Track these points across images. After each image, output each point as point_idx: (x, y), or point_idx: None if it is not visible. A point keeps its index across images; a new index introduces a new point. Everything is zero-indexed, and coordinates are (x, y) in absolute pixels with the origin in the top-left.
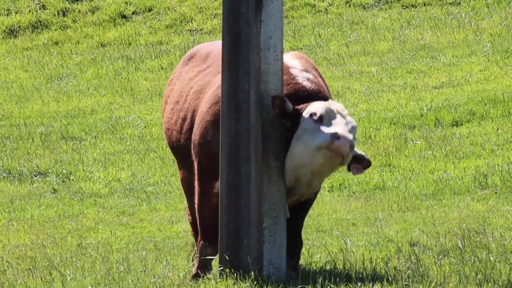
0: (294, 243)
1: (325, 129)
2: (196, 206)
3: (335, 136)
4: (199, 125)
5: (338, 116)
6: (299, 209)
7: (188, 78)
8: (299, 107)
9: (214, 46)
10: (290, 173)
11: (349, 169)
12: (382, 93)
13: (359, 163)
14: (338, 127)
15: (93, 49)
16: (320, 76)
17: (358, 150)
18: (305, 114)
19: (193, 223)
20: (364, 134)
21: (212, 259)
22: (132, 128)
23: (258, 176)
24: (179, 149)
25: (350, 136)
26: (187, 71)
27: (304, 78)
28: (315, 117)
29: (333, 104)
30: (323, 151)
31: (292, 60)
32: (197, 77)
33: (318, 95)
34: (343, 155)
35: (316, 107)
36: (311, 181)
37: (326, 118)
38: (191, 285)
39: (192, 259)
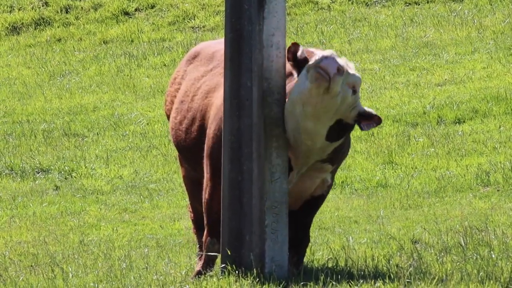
0: (301, 240)
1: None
2: (205, 202)
3: (324, 56)
4: (214, 118)
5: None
6: (310, 205)
7: (193, 78)
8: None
9: (219, 45)
10: (288, 119)
11: (360, 127)
12: (385, 91)
13: (369, 120)
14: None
15: (96, 46)
16: None
17: (366, 108)
18: (311, 61)
19: (195, 221)
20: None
21: (217, 256)
22: (135, 125)
23: (260, 173)
24: (185, 148)
25: (340, 61)
26: (191, 70)
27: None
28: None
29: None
30: (311, 72)
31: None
32: (204, 77)
33: None
34: (329, 75)
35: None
36: (306, 121)
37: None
38: (193, 283)
39: (197, 254)
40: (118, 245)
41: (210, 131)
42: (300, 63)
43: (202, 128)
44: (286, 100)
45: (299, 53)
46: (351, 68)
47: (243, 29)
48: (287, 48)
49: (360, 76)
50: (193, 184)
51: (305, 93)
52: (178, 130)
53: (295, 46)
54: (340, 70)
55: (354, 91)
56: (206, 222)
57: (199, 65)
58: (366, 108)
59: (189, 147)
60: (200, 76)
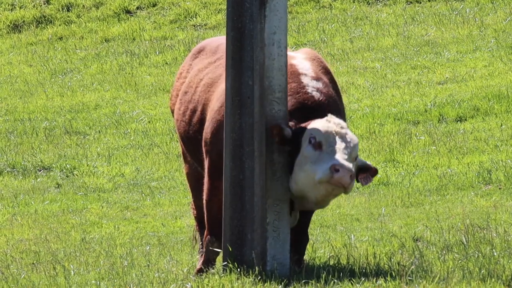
0: (301, 239)
1: (324, 160)
2: (204, 201)
3: (334, 169)
4: (210, 122)
5: (337, 139)
6: None
7: (197, 69)
8: (297, 127)
9: (224, 40)
10: (296, 195)
11: (357, 180)
12: (386, 89)
13: (366, 173)
14: (338, 156)
15: (97, 44)
16: (332, 80)
17: (362, 159)
18: (305, 139)
19: (198, 218)
20: (368, 129)
21: (218, 253)
22: (136, 123)
23: (262, 172)
24: (188, 139)
25: (350, 165)
26: (197, 63)
27: (313, 88)
28: (313, 142)
29: (332, 122)
30: (324, 184)
31: (304, 63)
32: (207, 69)
33: (325, 107)
34: (344, 186)
35: (315, 130)
36: (317, 204)
37: (325, 143)
38: (195, 280)
39: (199, 252)
40: (120, 243)
41: (207, 135)
42: (293, 137)
43: (203, 121)
44: (290, 180)
45: (285, 133)
46: (345, 132)
47: (245, 27)
48: (271, 134)
49: (357, 141)
50: (196, 181)
51: (318, 193)
52: (182, 121)
53: (276, 128)
54: (352, 175)
55: (355, 158)
56: (206, 220)
57: (204, 58)
58: (363, 161)
59: (191, 138)
60: (203, 68)
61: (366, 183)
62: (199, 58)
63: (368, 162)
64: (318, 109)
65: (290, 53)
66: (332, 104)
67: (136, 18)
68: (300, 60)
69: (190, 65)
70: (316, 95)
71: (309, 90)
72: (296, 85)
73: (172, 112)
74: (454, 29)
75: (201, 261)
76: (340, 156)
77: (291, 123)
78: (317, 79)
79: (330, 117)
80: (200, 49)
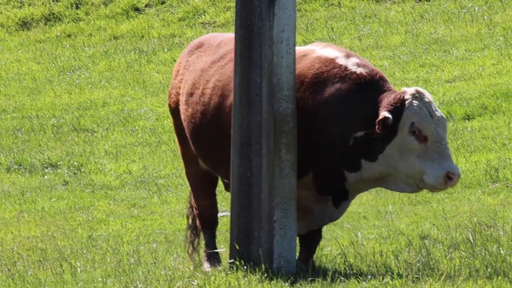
0: (314, 238)
1: (435, 161)
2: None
3: (448, 177)
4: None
5: (439, 130)
6: None
7: (200, 69)
8: (392, 111)
9: (224, 36)
10: (380, 175)
11: None
12: (395, 87)
13: None
14: (450, 161)
15: (106, 42)
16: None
17: None
18: (402, 126)
19: (200, 216)
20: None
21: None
22: (144, 120)
23: (269, 169)
24: (198, 140)
25: (459, 171)
26: (195, 60)
27: (354, 65)
28: (417, 133)
29: (424, 100)
30: (440, 181)
31: (326, 50)
32: (212, 69)
33: (378, 80)
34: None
35: (414, 116)
36: (377, 183)
37: (430, 137)
38: (201, 277)
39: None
40: (127, 240)
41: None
42: (394, 119)
43: (217, 125)
44: (378, 159)
45: (389, 122)
46: (434, 107)
47: (253, 25)
48: (378, 123)
49: (445, 117)
50: (198, 180)
51: (415, 181)
52: (190, 123)
53: (382, 120)
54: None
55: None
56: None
57: (204, 55)
58: None
59: (202, 139)
60: (207, 67)
61: None
62: (196, 55)
63: None
64: (372, 86)
65: (305, 47)
66: (378, 73)
67: (144, 16)
68: (320, 49)
69: (187, 61)
70: (362, 70)
71: (353, 69)
72: (337, 70)
73: (171, 109)
74: (463, 27)
75: (205, 258)
76: (451, 159)
77: (386, 109)
78: (349, 55)
79: (416, 91)
80: (198, 45)
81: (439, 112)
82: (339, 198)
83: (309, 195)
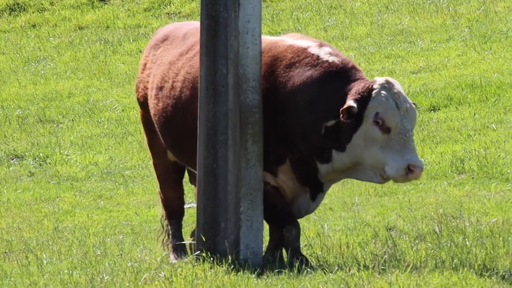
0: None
1: (396, 153)
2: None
3: (409, 169)
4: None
5: (404, 122)
6: None
7: (168, 62)
8: (358, 100)
9: (189, 26)
10: (350, 161)
11: None
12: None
13: None
14: (413, 153)
15: (71, 32)
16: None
17: None
18: (367, 115)
19: (166, 207)
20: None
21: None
22: (110, 111)
23: (235, 160)
24: (169, 133)
25: (423, 163)
26: (162, 54)
27: (327, 54)
28: (381, 124)
29: (392, 91)
30: (402, 173)
31: (299, 40)
32: (180, 62)
33: (350, 69)
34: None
35: (379, 106)
36: (348, 173)
37: (394, 129)
38: (168, 269)
39: (170, 242)
40: (93, 231)
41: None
42: (360, 108)
43: (191, 118)
44: (347, 148)
45: (354, 111)
46: (403, 97)
47: (219, 15)
48: (343, 111)
49: (415, 110)
50: (165, 172)
51: (375, 171)
52: (162, 117)
53: (347, 109)
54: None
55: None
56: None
57: (170, 48)
58: None
59: (173, 132)
60: (175, 60)
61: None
62: (163, 48)
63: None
64: (343, 74)
65: (278, 37)
66: (351, 62)
67: (110, 6)
68: (293, 39)
69: (154, 55)
70: (335, 59)
71: (325, 57)
72: (309, 59)
73: (140, 103)
74: (428, 18)
75: (171, 250)
76: (415, 151)
77: (353, 98)
78: (321, 45)
79: (386, 81)
80: (163, 38)
81: (409, 103)
82: (316, 190)
83: (295, 186)
